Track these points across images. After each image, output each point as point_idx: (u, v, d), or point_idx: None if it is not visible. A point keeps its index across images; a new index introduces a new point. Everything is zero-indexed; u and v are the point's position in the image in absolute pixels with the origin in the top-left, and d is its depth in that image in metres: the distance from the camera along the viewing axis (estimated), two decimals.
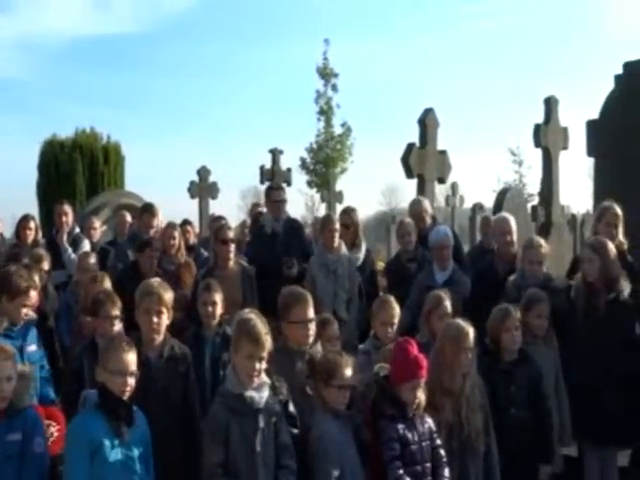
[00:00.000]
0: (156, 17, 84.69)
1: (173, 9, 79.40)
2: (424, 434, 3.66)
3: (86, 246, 7.16)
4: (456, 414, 3.90)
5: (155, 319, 3.83)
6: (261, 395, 3.36)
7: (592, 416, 4.51)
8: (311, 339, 3.91)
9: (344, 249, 6.07)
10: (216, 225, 6.34)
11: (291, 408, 3.60)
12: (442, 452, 3.71)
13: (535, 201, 14.94)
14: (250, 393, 3.33)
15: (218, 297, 4.66)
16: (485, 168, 63.40)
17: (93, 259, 6.26)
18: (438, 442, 3.72)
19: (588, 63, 65.04)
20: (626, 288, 4.68)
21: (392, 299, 4.61)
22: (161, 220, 7.27)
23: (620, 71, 7.46)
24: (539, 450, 4.24)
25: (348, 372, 3.60)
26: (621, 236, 5.32)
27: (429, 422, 3.71)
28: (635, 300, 4.71)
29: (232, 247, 5.75)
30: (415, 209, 6.73)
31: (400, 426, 3.58)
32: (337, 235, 6.02)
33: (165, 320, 3.90)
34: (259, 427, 3.33)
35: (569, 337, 4.76)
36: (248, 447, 3.30)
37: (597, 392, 4.52)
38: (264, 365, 3.38)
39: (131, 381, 3.32)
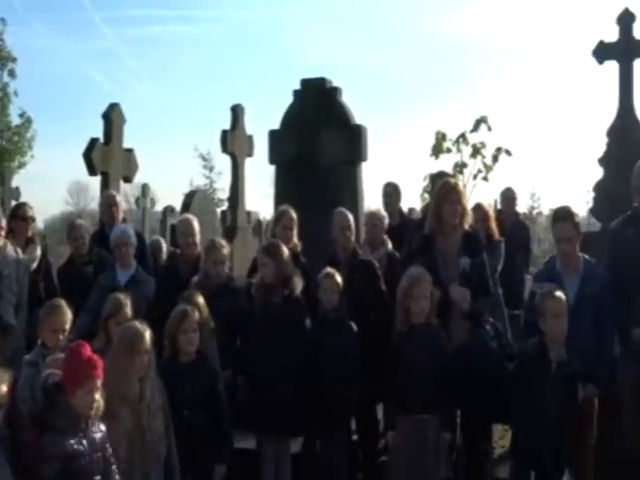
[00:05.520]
0: None
1: None
2: (96, 444, 3.42)
3: None
4: (136, 421, 3.76)
5: None
6: None
7: (269, 408, 4.71)
8: None
9: (10, 248, 5.49)
10: None
11: None
12: (112, 460, 3.53)
13: (226, 206, 15.39)
14: None
15: None
16: (179, 171, 63.82)
17: None
18: (109, 451, 3.52)
19: (273, 76, 70.02)
20: (299, 285, 4.98)
21: (64, 303, 4.32)
22: None
23: (298, 87, 8.04)
24: (215, 450, 4.27)
25: (2, 388, 3.23)
26: (295, 239, 5.68)
27: (102, 430, 3.49)
28: (306, 297, 5.05)
29: None
30: (106, 202, 6.62)
31: (71, 441, 3.30)
32: (3, 233, 5.41)
33: None
34: None
35: (248, 333, 4.96)
36: None
37: (273, 385, 4.72)
38: None
39: None
